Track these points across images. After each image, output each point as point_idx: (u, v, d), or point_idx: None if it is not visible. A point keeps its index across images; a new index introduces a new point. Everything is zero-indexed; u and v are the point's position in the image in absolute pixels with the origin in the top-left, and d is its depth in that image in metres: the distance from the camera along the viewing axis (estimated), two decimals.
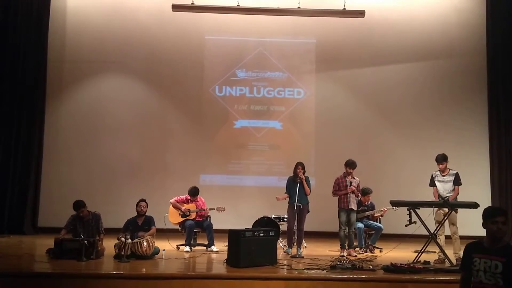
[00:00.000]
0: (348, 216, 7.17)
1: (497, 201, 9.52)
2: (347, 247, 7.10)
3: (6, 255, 6.30)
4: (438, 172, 6.80)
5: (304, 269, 5.49)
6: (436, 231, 6.36)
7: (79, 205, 6.54)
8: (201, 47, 10.46)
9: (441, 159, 6.74)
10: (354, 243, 7.31)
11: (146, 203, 6.92)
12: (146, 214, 6.89)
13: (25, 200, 9.50)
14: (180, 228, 7.61)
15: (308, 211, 7.15)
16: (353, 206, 7.19)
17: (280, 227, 7.68)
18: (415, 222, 6.28)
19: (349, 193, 7.16)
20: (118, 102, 10.25)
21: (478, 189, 9.23)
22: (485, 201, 9.01)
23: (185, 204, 7.62)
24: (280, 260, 6.13)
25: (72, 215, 6.65)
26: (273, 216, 7.83)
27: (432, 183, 6.85)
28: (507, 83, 9.88)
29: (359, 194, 7.40)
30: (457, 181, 6.68)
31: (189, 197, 7.66)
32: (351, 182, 7.19)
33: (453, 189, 6.67)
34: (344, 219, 7.14)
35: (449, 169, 6.75)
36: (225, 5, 9.31)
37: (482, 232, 3.32)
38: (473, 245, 3.44)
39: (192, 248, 7.31)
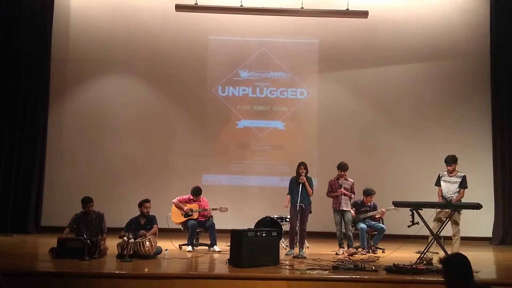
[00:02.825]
0: (341, 216, 7.38)
1: (500, 202, 9.48)
2: (346, 247, 7.22)
3: (9, 254, 6.33)
4: (446, 173, 6.81)
5: (306, 269, 5.49)
6: (438, 232, 6.35)
7: (87, 200, 6.59)
8: (204, 47, 10.46)
9: (450, 160, 6.75)
10: (357, 244, 7.35)
11: (150, 203, 6.93)
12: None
13: (28, 199, 9.52)
14: (182, 228, 7.62)
15: (310, 212, 7.16)
16: (345, 207, 7.39)
17: (283, 227, 7.68)
18: (417, 223, 6.28)
19: (340, 195, 7.35)
20: (121, 102, 10.26)
21: (481, 190, 9.16)
22: (488, 202, 9.04)
23: (187, 204, 7.62)
24: (282, 260, 6.12)
25: (76, 214, 6.67)
26: (275, 216, 7.83)
27: (438, 183, 6.86)
28: (510, 84, 9.84)
29: (352, 195, 7.51)
30: (463, 184, 6.68)
31: (191, 197, 7.67)
32: (341, 185, 7.37)
33: (458, 191, 6.66)
34: (338, 220, 7.41)
35: (457, 171, 6.76)
36: (228, 5, 9.31)
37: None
38: None
39: (195, 248, 7.32)
